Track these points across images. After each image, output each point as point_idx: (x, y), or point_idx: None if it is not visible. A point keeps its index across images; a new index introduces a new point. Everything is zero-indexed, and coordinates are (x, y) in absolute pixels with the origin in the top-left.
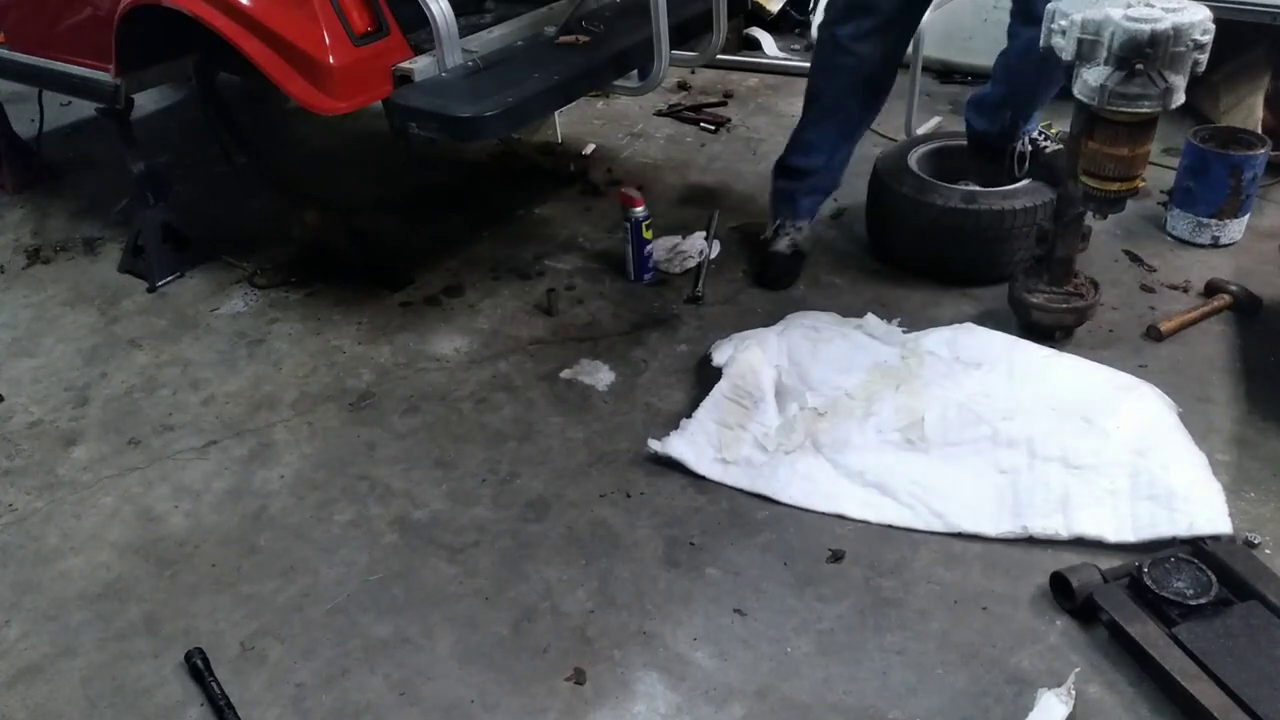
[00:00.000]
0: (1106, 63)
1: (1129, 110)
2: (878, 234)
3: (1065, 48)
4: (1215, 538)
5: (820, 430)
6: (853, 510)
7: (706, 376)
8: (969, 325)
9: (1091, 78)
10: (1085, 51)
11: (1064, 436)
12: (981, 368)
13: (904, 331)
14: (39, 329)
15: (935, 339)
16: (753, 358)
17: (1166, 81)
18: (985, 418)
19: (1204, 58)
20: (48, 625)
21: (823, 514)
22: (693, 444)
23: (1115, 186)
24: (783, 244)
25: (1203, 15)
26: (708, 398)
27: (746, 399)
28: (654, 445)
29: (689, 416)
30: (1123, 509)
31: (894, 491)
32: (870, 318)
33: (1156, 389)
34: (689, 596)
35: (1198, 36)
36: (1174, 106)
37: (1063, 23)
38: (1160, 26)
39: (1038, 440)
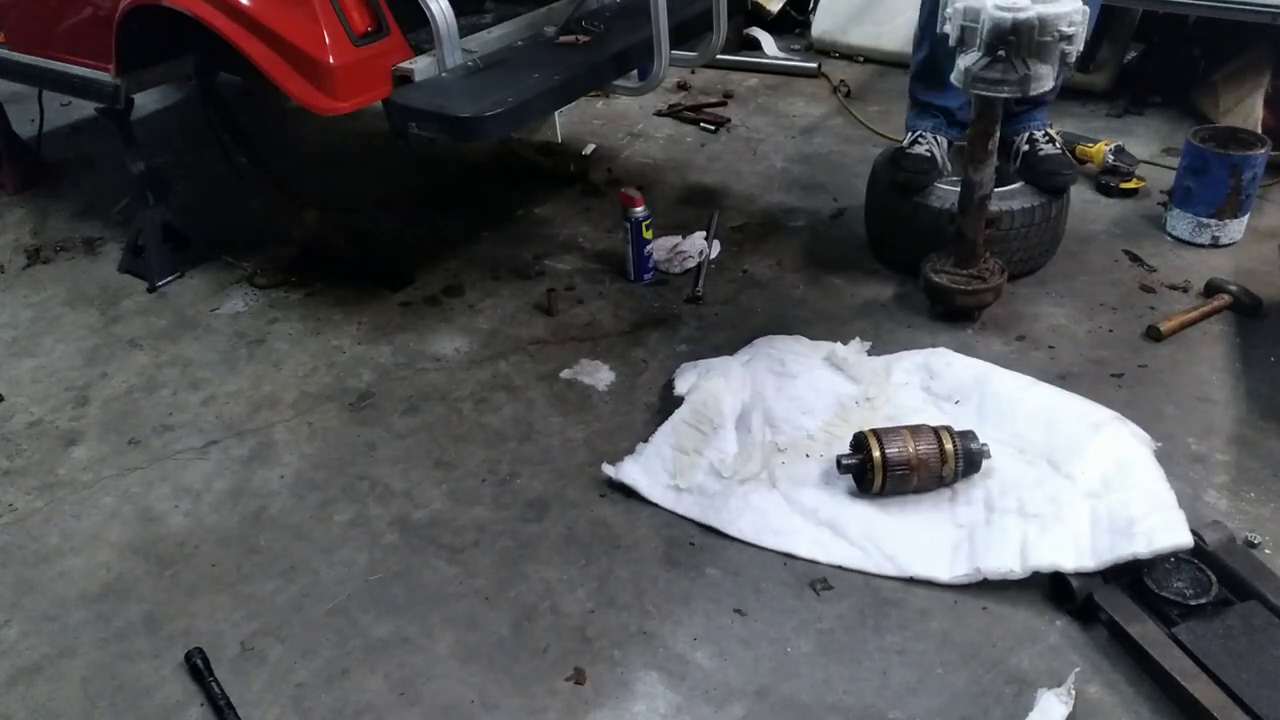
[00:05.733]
0: (979, 49)
1: (990, 95)
2: (877, 234)
3: (952, 35)
4: (1179, 552)
5: (777, 464)
6: (803, 549)
7: (670, 405)
8: (942, 350)
9: (963, 63)
10: (966, 38)
11: (1025, 489)
12: (950, 402)
13: (872, 353)
14: (39, 329)
15: (905, 366)
16: (716, 387)
17: (1027, 68)
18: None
19: (1073, 49)
20: (48, 625)
21: (772, 552)
22: (647, 470)
23: None
24: (920, 148)
25: (1070, 8)
26: (666, 422)
27: (706, 424)
28: (608, 470)
29: (645, 441)
30: (1083, 542)
31: (846, 533)
32: (838, 346)
33: (1131, 424)
34: (689, 596)
35: (1064, 28)
36: (1035, 94)
37: (949, 11)
38: (1023, 16)
39: (996, 497)
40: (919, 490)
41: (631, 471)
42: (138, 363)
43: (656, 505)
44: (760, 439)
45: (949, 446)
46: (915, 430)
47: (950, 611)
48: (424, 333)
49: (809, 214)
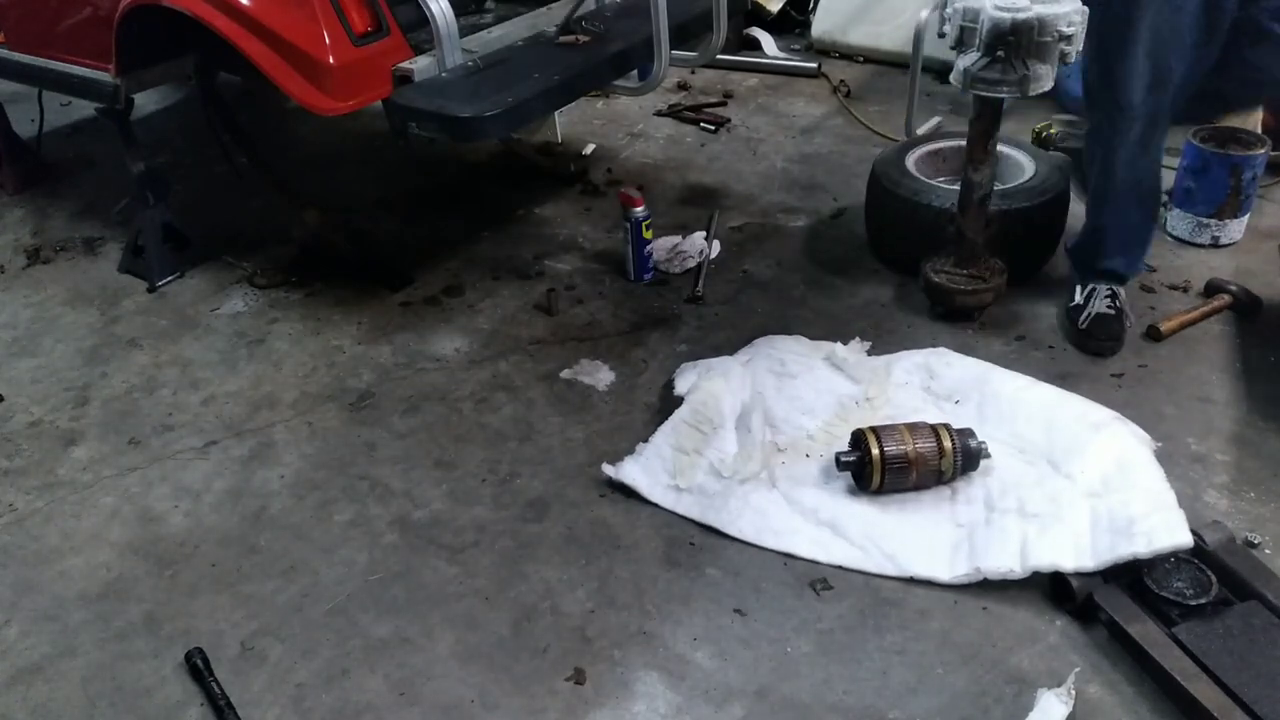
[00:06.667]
0: (978, 49)
1: (989, 95)
2: (877, 234)
3: (951, 35)
4: (1179, 552)
5: (777, 464)
6: (803, 549)
7: (670, 405)
8: (941, 350)
9: (962, 63)
10: (966, 39)
11: (1025, 488)
12: (950, 402)
13: (872, 353)
14: (39, 329)
15: (906, 365)
16: (716, 387)
17: (1026, 69)
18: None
19: (1071, 49)
20: (48, 625)
21: (772, 552)
22: (647, 470)
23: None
24: (1101, 303)
25: (1070, 8)
26: (666, 422)
27: (706, 424)
28: (608, 470)
29: (645, 441)
30: (1083, 542)
31: (846, 532)
32: (838, 346)
33: (1131, 424)
34: (689, 596)
35: (1063, 28)
36: (1034, 93)
37: (949, 11)
38: (1023, 16)
39: (996, 497)
40: (918, 487)
41: (631, 471)
42: (138, 363)
43: (656, 505)
44: (760, 439)
45: (946, 443)
46: (913, 427)
47: (950, 611)
48: (424, 333)
49: (809, 214)
